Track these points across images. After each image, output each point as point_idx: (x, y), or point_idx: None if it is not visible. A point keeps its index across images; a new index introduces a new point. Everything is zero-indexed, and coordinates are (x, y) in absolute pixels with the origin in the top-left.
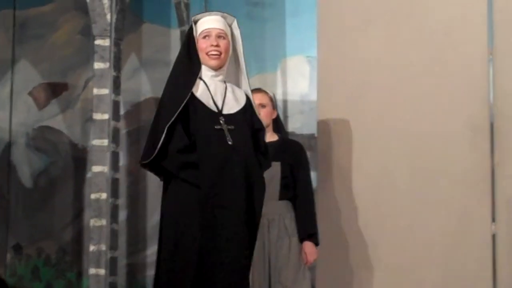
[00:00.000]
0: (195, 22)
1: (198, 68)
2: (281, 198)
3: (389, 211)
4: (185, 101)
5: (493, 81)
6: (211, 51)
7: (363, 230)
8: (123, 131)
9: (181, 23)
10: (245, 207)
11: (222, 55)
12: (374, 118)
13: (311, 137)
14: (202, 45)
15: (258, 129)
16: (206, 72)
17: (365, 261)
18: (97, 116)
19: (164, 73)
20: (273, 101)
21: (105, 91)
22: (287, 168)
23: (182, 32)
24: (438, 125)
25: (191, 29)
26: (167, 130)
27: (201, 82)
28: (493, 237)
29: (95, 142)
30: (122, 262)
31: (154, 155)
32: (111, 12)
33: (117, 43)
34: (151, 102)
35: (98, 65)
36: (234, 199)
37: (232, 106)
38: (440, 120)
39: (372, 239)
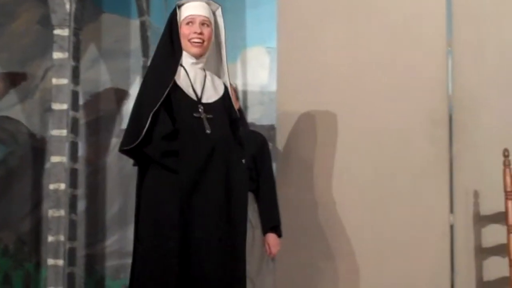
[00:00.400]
0: (179, 7)
1: (180, 55)
2: None
3: (349, 203)
4: (168, 88)
5: (452, 74)
6: (193, 38)
7: (324, 223)
8: (82, 121)
9: (141, 13)
10: (223, 197)
11: (205, 43)
12: (334, 110)
13: (270, 128)
14: (185, 31)
15: (234, 119)
16: (186, 59)
17: (326, 253)
18: (56, 106)
19: (124, 64)
20: (236, 92)
21: (64, 81)
22: (250, 159)
23: (142, 22)
24: (398, 118)
25: (174, 13)
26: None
27: (182, 68)
28: (451, 227)
29: (54, 132)
30: (80, 253)
31: (138, 141)
32: (70, 1)
33: (76, 33)
34: (110, 92)
35: (57, 55)
36: (214, 188)
37: (211, 95)
38: (400, 113)
39: (333, 231)
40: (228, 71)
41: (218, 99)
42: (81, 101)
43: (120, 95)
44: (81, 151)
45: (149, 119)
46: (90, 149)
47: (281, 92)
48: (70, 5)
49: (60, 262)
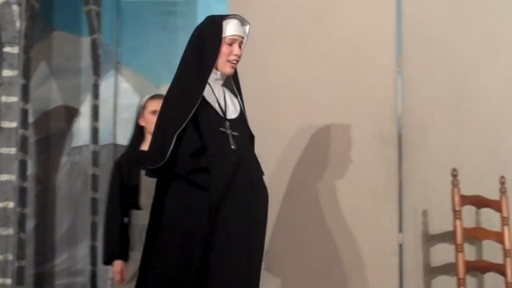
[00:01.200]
0: (221, 20)
1: (210, 71)
2: None
3: (297, 220)
4: (196, 107)
5: (401, 94)
6: (233, 59)
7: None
8: (32, 139)
9: (92, 31)
10: (247, 213)
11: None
12: (283, 129)
13: None
14: (226, 51)
15: (251, 136)
16: (212, 75)
17: (269, 270)
18: (5, 124)
19: (74, 81)
20: None
21: (14, 99)
22: None
23: (93, 40)
24: (348, 137)
25: (218, 28)
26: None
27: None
28: (400, 246)
29: (3, 150)
30: (29, 272)
31: (164, 161)
32: (20, 19)
33: (26, 50)
34: (61, 110)
35: (6, 73)
36: (239, 203)
37: (232, 111)
38: (349, 133)
39: (278, 248)
40: (241, 88)
41: (238, 116)
42: (31, 119)
43: (71, 113)
44: (31, 169)
45: (174, 139)
46: (39, 167)
47: None
48: (21, 23)
49: (8, 281)
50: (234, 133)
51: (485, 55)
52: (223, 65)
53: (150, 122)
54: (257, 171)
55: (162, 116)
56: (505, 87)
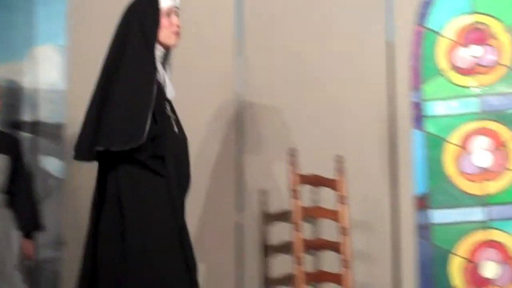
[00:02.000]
0: None
1: (154, 45)
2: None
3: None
4: (155, 85)
5: (241, 74)
6: (177, 30)
7: None
8: None
9: None
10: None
11: None
12: None
13: (60, 126)
14: (166, 23)
15: None
16: (159, 52)
17: None
18: None
19: None
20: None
21: None
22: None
23: None
24: (189, 117)
25: (156, 3)
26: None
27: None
28: (239, 226)
29: None
30: None
31: (142, 141)
32: None
33: None
34: None
35: None
36: (186, 189)
37: (170, 91)
38: (190, 113)
39: None
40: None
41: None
42: None
43: None
44: None
45: (149, 116)
46: None
47: (71, 90)
48: None
49: None
50: (173, 115)
51: (323, 38)
52: (168, 37)
53: None
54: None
55: (124, 94)
56: (342, 70)
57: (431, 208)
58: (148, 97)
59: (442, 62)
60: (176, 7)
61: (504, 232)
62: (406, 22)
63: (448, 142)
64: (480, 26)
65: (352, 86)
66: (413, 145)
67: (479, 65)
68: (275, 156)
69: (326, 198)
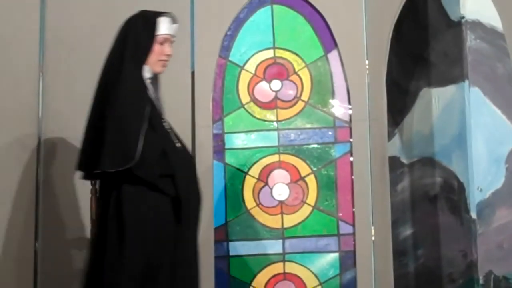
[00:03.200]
0: (154, 17)
1: (141, 67)
2: None
3: None
4: (149, 102)
5: (42, 98)
6: (165, 59)
7: None
8: None
9: None
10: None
11: None
12: None
13: None
14: (157, 50)
15: None
16: (145, 74)
17: None
18: None
19: None
20: None
21: None
22: None
23: None
24: None
25: (152, 25)
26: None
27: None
28: (35, 253)
29: None
30: None
31: (134, 162)
32: None
33: None
34: None
35: None
36: (197, 209)
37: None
38: None
39: None
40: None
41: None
42: None
43: None
44: None
45: (140, 137)
46: None
47: None
48: None
49: None
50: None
51: None
52: (154, 64)
53: None
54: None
55: (115, 114)
56: None
57: (230, 240)
58: (140, 115)
59: (243, 95)
60: (172, 36)
61: (300, 265)
62: (210, 54)
63: (247, 174)
64: (281, 61)
65: None
66: (213, 177)
67: (279, 99)
68: (76, 182)
69: None
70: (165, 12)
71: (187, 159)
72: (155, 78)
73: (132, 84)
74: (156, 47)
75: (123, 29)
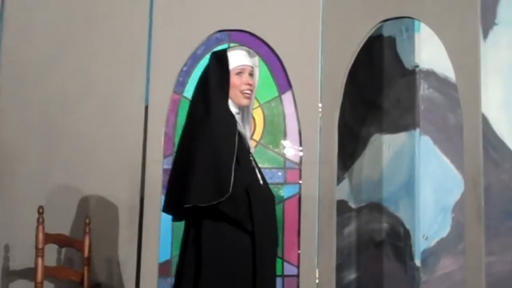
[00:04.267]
0: (224, 53)
1: (227, 100)
2: None
3: None
4: (237, 136)
5: None
6: (245, 90)
7: None
8: None
9: None
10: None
11: (253, 94)
12: None
13: None
14: (236, 82)
15: None
16: (232, 108)
17: None
18: None
19: None
20: None
21: None
22: None
23: None
24: None
25: (224, 60)
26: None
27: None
28: None
29: None
30: None
31: (228, 194)
32: None
33: None
34: None
35: None
36: (275, 247)
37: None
38: None
39: None
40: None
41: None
42: None
43: None
44: None
45: (233, 171)
46: None
47: None
48: None
49: None
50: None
51: (82, 97)
52: (237, 97)
53: None
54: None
55: (209, 148)
56: (98, 131)
57: (174, 275)
58: (231, 149)
59: None
60: (249, 66)
61: None
62: (164, 89)
63: None
64: None
65: (107, 148)
66: (161, 212)
67: None
68: (24, 212)
69: (73, 258)
70: (237, 46)
71: (268, 198)
72: (242, 111)
73: (222, 117)
74: (234, 79)
75: (202, 74)
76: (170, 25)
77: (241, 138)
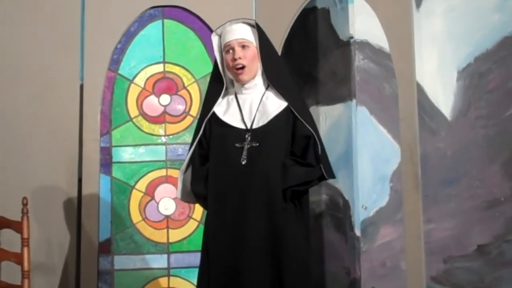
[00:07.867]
0: (220, 36)
1: (221, 87)
2: None
3: None
4: (202, 128)
5: None
6: (235, 65)
7: None
8: None
9: None
10: (267, 242)
11: (248, 66)
12: None
13: None
14: (228, 61)
15: (304, 136)
16: (238, 87)
17: None
18: None
19: None
20: None
21: None
22: None
23: None
24: None
25: (213, 43)
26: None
27: (232, 98)
28: None
29: None
30: None
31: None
32: None
33: None
34: None
35: None
36: (254, 231)
37: (266, 117)
38: None
39: None
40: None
41: (271, 119)
42: None
43: None
44: None
45: (186, 161)
46: None
47: None
48: None
49: None
50: (254, 144)
51: (16, 77)
52: (234, 75)
53: None
54: (277, 183)
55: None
56: (34, 111)
57: (115, 253)
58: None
59: (132, 109)
60: (233, 40)
61: (185, 279)
62: (99, 67)
63: (134, 188)
64: (170, 76)
65: (44, 128)
66: (99, 190)
67: (168, 114)
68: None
69: (12, 240)
70: (224, 24)
71: (236, 175)
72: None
73: (203, 107)
74: (226, 59)
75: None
76: (103, 2)
77: (217, 122)
